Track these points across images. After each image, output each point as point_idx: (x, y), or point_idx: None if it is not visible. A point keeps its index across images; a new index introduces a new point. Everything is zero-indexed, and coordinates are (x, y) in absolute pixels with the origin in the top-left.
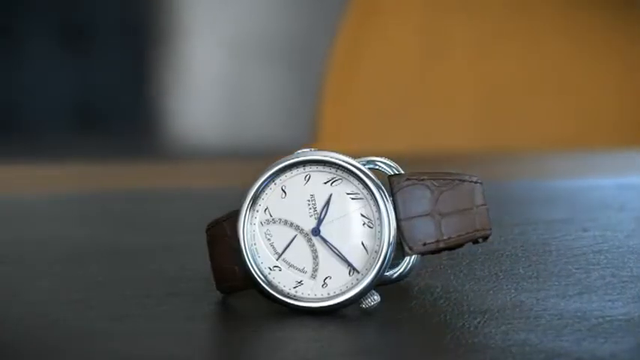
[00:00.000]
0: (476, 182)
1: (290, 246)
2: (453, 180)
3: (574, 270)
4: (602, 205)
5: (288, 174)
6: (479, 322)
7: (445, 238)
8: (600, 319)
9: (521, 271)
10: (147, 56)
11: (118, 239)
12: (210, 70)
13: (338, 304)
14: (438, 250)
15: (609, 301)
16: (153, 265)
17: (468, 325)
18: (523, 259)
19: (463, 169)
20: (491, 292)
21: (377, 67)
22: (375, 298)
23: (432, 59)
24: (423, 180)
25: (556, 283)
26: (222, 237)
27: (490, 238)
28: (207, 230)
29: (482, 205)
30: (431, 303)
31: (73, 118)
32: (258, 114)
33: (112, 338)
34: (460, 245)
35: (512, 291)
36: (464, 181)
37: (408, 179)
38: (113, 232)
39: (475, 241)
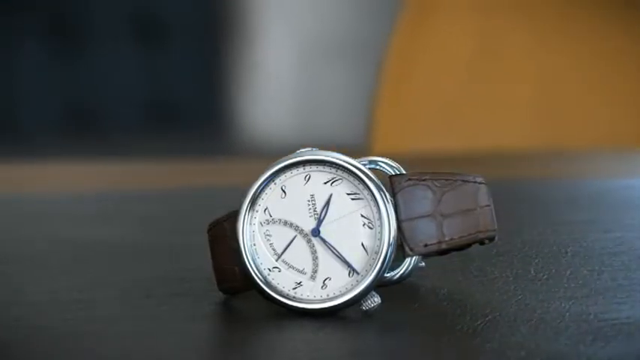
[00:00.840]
0: (480, 183)
1: (290, 247)
2: (456, 180)
3: (585, 272)
4: (630, 206)
5: (288, 174)
6: (478, 325)
7: (447, 239)
8: (602, 323)
9: (532, 272)
10: (220, 55)
11: (136, 239)
12: (283, 69)
13: (337, 305)
14: (440, 252)
15: (616, 303)
16: (161, 264)
17: (467, 328)
18: (536, 260)
19: (515, 167)
20: (497, 293)
21: (432, 66)
22: (375, 300)
23: (487, 58)
24: (424, 180)
25: (565, 285)
26: (223, 237)
27: (497, 238)
28: (209, 230)
29: (486, 205)
30: (434, 305)
31: (145, 116)
32: (330, 112)
33: (109, 339)
34: (464, 246)
35: (519, 293)
36: (467, 181)
37: (409, 179)
38: (134, 232)
39: (481, 243)
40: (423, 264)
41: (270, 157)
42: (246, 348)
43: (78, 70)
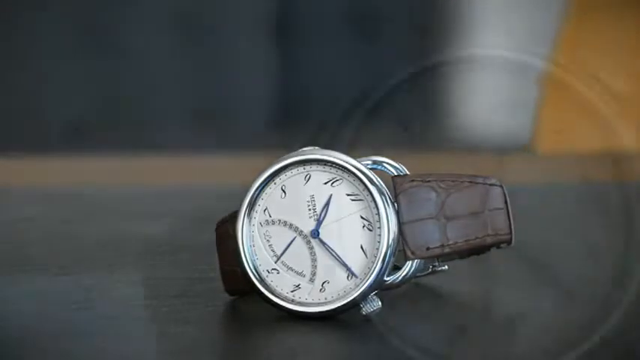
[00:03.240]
0: (491, 185)
1: (289, 248)
2: (463, 182)
3: None
4: None
5: (288, 173)
6: (480, 332)
7: (451, 242)
8: (606, 330)
9: (562, 278)
10: (432, 48)
11: (174, 237)
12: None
13: (335, 309)
14: (444, 255)
15: (633, 318)
16: (174, 264)
17: (467, 334)
18: (571, 264)
19: None
20: (510, 298)
21: (597, 62)
22: (375, 304)
23: None
24: (428, 181)
25: (586, 291)
26: (226, 238)
27: (514, 241)
28: (216, 230)
29: (497, 208)
30: (438, 308)
31: (356, 108)
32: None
33: (106, 340)
34: (474, 250)
35: (533, 297)
36: (476, 183)
37: (412, 180)
38: (180, 229)
39: (497, 246)
40: (446, 267)
41: (481, 152)
42: (243, 351)
43: (293, 64)
